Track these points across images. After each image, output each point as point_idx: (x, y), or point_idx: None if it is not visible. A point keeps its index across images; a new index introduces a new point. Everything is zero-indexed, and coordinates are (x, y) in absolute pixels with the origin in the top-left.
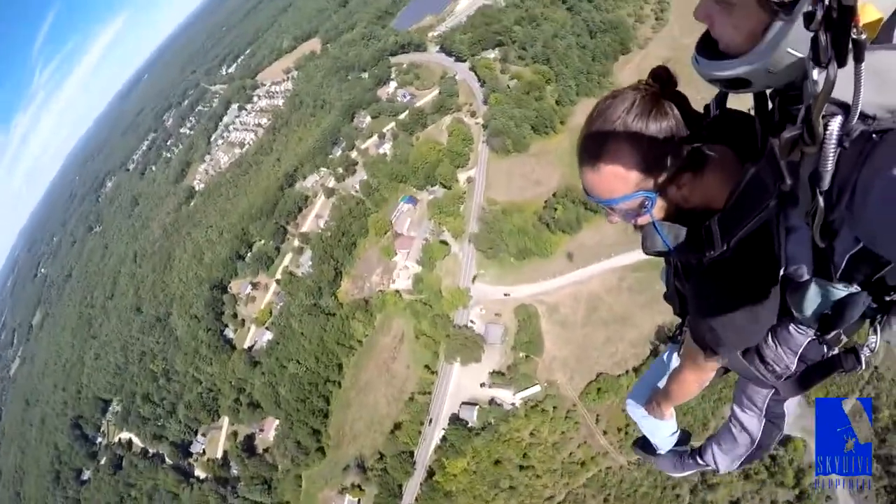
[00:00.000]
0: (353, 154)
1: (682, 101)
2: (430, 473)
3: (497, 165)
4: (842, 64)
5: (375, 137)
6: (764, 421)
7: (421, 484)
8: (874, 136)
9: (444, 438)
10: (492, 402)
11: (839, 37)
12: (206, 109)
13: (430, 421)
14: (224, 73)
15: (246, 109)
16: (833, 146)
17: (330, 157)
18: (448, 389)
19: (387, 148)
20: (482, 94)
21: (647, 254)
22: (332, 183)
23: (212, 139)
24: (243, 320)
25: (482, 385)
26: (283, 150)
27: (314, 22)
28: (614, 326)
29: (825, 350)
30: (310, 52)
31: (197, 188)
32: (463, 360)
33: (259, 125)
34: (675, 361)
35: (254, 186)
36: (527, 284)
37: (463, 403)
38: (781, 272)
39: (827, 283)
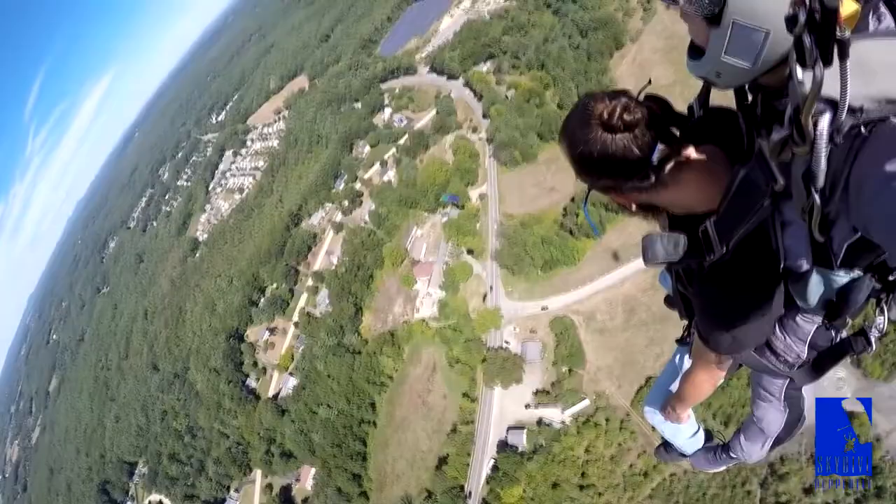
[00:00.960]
0: (357, 185)
1: (663, 107)
2: None
3: (508, 178)
4: (828, 64)
5: (377, 165)
6: (784, 409)
7: None
8: (863, 128)
9: (495, 467)
10: (540, 422)
11: (824, 38)
12: (200, 159)
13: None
14: (214, 121)
15: (241, 154)
16: (824, 144)
17: (333, 190)
18: (492, 415)
19: (391, 175)
20: (481, 108)
21: (648, 266)
22: (339, 217)
23: (210, 188)
24: (265, 368)
25: (527, 406)
26: (284, 190)
27: (299, 59)
28: (655, 327)
29: (833, 335)
30: (298, 90)
31: (201, 238)
32: (503, 382)
33: (256, 168)
34: (687, 363)
35: (259, 230)
36: (558, 296)
37: (510, 428)
38: (782, 265)
39: (828, 272)
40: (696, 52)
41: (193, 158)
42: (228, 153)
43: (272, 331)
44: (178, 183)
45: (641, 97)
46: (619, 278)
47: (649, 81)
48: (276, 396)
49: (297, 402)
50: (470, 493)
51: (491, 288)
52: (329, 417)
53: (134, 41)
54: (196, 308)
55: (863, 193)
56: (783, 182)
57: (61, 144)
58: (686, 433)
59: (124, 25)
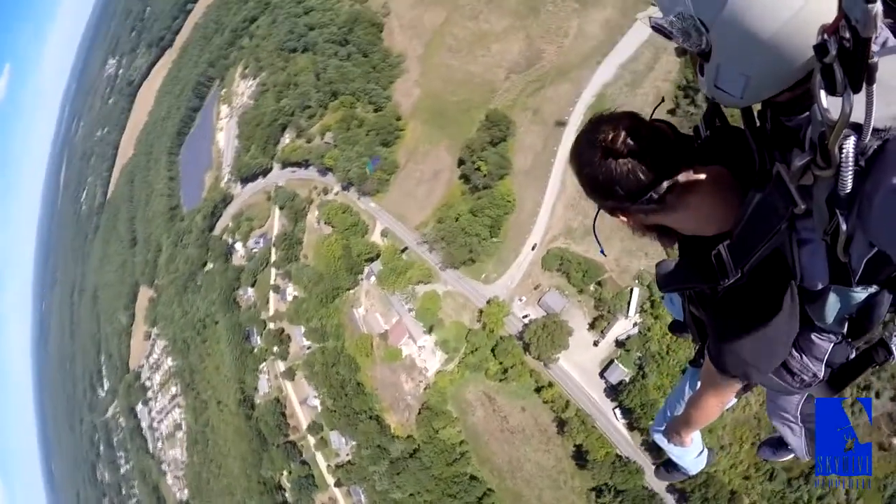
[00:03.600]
0: (271, 326)
1: (669, 130)
2: (652, 448)
3: (390, 199)
4: (857, 91)
5: (272, 295)
6: (800, 425)
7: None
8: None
9: (625, 411)
10: (619, 343)
11: (855, 66)
12: (121, 435)
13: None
14: (103, 393)
15: (150, 399)
16: (851, 168)
17: (255, 350)
18: (578, 382)
19: (291, 291)
20: (315, 170)
21: (663, 292)
22: (281, 367)
23: (151, 450)
24: None
25: (596, 343)
26: (214, 390)
27: (127, 279)
28: None
29: (849, 350)
30: (149, 302)
31: (183, 498)
32: (559, 346)
33: (174, 397)
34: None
35: (225, 443)
36: (527, 240)
37: (601, 373)
38: (798, 284)
39: (846, 289)
40: (702, 70)
41: (115, 440)
42: (139, 407)
43: None
44: (122, 472)
45: (649, 118)
46: (558, 187)
47: (662, 100)
48: None
49: None
50: (628, 457)
51: (470, 292)
52: None
53: None
54: None
55: (872, 206)
56: (804, 206)
57: None
58: (693, 453)
59: None
